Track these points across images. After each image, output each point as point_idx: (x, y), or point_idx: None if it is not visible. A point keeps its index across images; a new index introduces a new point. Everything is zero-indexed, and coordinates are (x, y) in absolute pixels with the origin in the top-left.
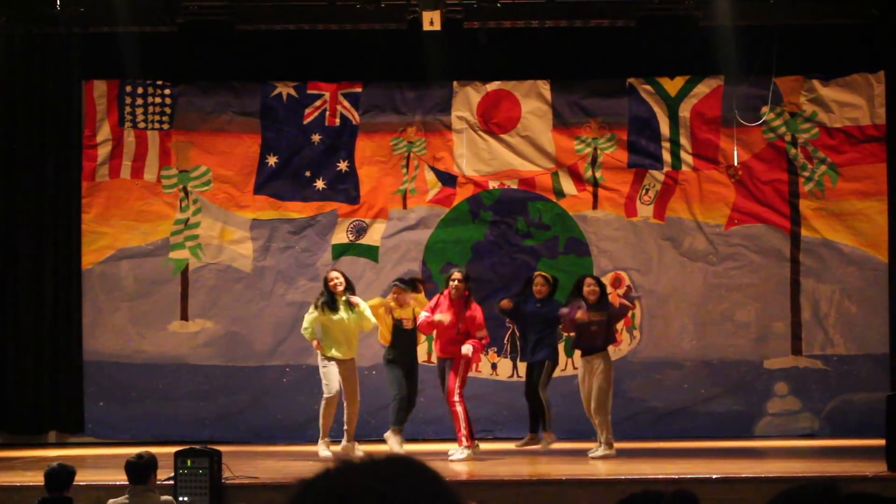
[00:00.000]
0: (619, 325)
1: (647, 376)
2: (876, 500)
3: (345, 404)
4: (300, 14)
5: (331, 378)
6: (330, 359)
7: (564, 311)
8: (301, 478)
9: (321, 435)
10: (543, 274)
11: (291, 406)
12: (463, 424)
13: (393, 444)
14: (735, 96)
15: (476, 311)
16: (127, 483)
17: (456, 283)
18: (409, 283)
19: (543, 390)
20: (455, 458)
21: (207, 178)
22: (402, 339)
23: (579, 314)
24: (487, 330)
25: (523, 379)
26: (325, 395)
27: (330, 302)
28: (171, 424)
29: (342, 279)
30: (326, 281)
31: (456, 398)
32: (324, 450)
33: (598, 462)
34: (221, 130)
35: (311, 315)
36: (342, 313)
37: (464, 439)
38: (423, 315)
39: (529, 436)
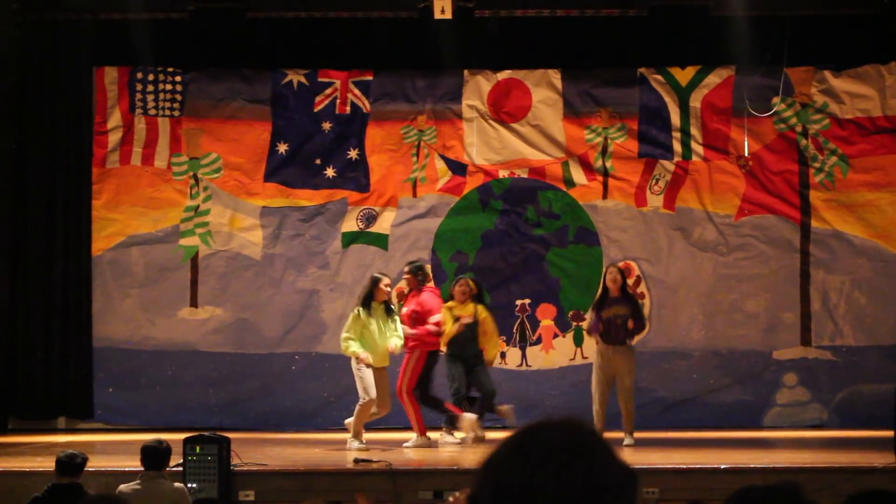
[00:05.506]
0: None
1: (656, 366)
2: (883, 495)
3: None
4: (311, 2)
5: (367, 383)
6: (367, 365)
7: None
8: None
9: (352, 434)
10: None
11: (300, 393)
12: (416, 416)
13: (466, 428)
14: (746, 87)
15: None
16: (135, 469)
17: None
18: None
19: None
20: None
21: (218, 166)
22: (460, 335)
23: (586, 324)
24: (494, 321)
25: (532, 368)
26: (361, 400)
27: (366, 304)
28: (180, 411)
29: (391, 288)
30: (377, 281)
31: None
32: (355, 443)
33: (624, 451)
34: (232, 118)
35: (352, 320)
36: (379, 321)
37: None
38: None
39: None
